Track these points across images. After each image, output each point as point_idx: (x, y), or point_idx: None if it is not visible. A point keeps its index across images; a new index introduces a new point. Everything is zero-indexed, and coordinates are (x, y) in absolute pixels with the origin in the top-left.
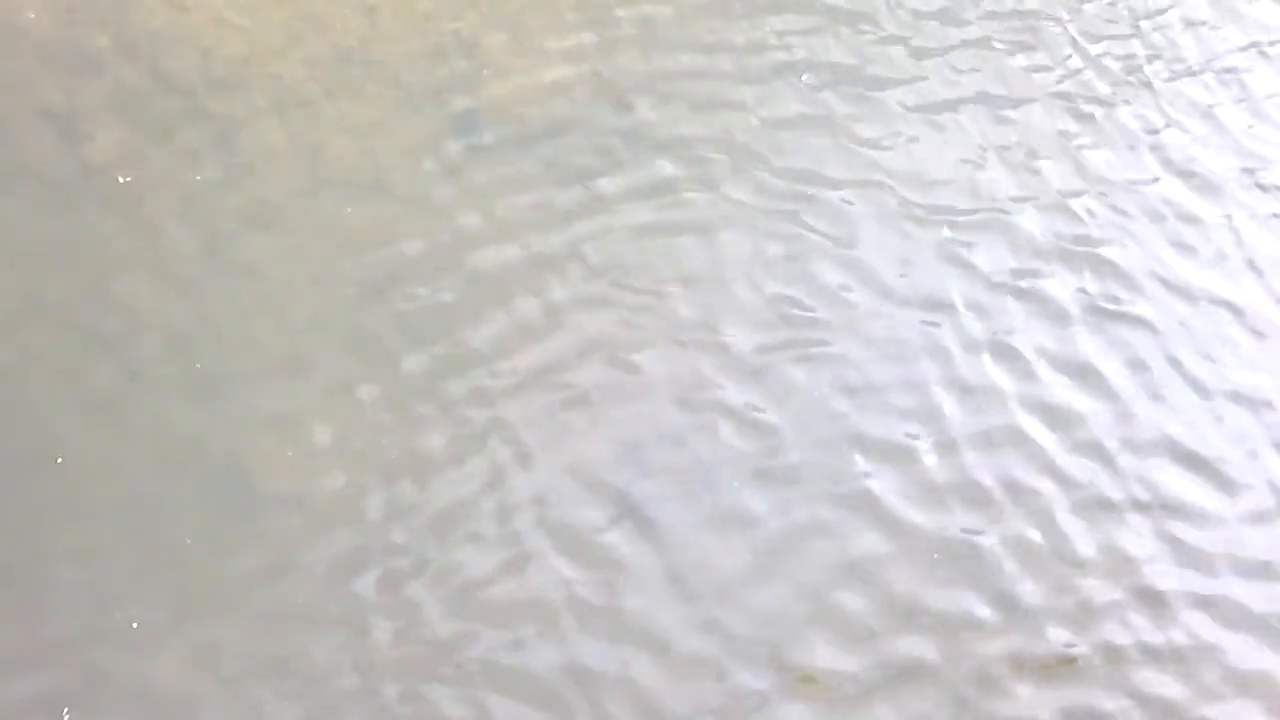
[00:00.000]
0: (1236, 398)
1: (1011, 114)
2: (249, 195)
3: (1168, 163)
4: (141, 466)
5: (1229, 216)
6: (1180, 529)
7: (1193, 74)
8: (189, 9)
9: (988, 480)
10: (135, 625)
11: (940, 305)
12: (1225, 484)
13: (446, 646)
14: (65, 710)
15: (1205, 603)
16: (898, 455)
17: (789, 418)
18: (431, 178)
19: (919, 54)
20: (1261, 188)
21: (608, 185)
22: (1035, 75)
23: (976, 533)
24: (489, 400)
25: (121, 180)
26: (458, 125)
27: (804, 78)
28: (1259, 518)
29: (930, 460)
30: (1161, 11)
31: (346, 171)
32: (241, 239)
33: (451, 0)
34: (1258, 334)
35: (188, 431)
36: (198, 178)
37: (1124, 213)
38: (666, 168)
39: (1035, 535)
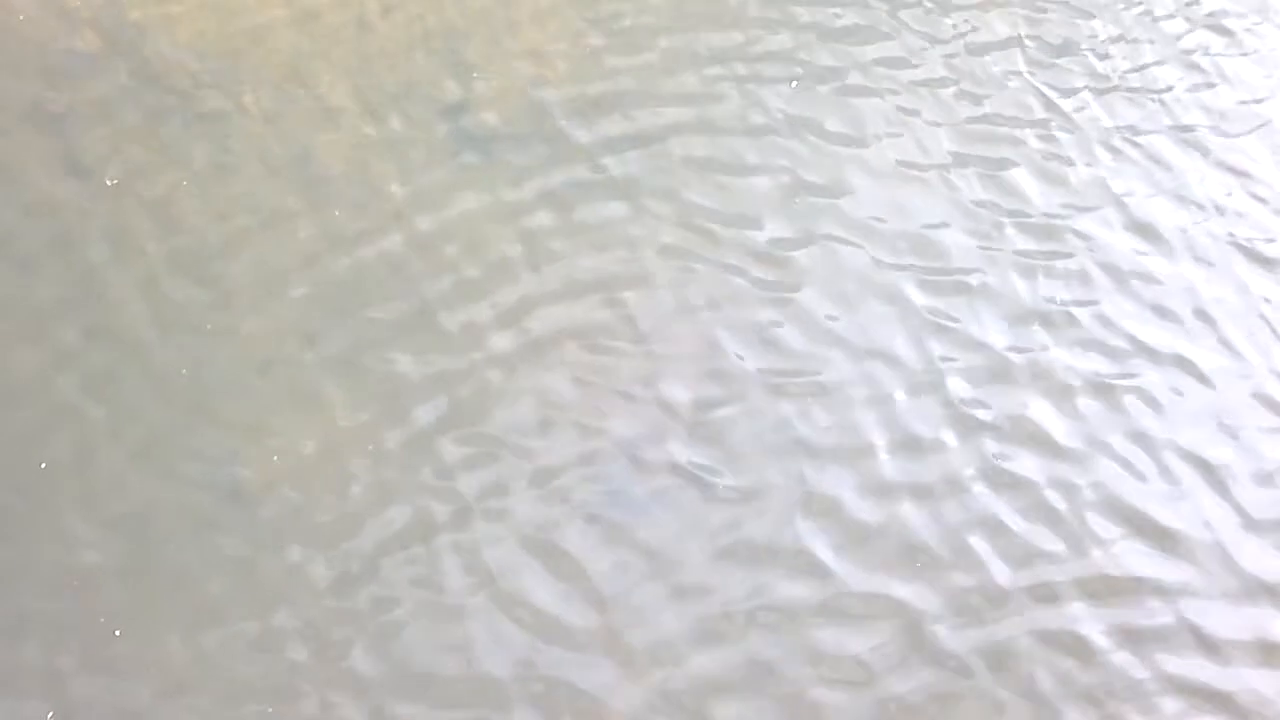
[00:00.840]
0: (1188, 457)
1: (979, 169)
2: (238, 196)
3: (1134, 222)
4: (126, 472)
5: (1188, 275)
6: (1122, 590)
7: (1162, 132)
8: (181, 11)
9: (926, 536)
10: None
11: (890, 358)
12: (1177, 551)
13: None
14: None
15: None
16: (837, 510)
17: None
18: (421, 179)
19: (888, 112)
20: (1244, 250)
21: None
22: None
23: (908, 585)
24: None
25: (110, 183)
26: (451, 128)
27: (793, 84)
28: (1211, 586)
29: (868, 514)
30: (1139, 69)
31: (336, 173)
32: (229, 239)
33: (441, 7)
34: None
35: (170, 433)
36: (184, 182)
37: (1086, 274)
38: (620, 209)
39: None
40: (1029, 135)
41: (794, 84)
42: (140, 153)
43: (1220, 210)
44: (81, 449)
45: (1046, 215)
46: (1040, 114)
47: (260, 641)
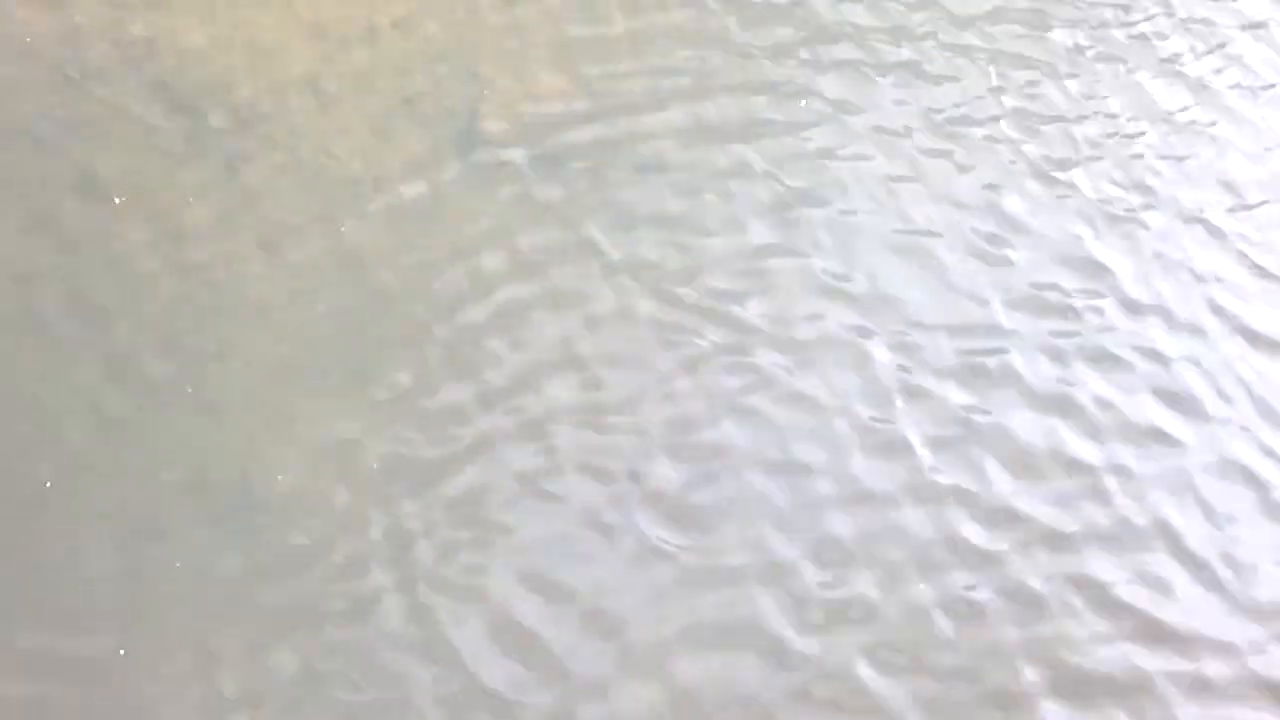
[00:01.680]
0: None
1: (977, 244)
2: (247, 211)
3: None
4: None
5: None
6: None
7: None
8: (190, 27)
9: (876, 595)
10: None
11: (863, 427)
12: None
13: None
14: None
15: None
16: (803, 587)
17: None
18: (432, 196)
19: (876, 179)
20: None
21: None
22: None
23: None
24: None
25: (117, 200)
26: (459, 144)
27: (802, 103)
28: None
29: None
30: (1133, 137)
31: (346, 188)
32: (238, 254)
33: (453, 22)
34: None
35: (190, 450)
36: (191, 198)
37: (1075, 352)
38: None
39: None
40: (1016, 201)
41: (800, 106)
42: (148, 169)
43: (1216, 281)
44: (78, 466)
45: (1034, 286)
46: (1030, 183)
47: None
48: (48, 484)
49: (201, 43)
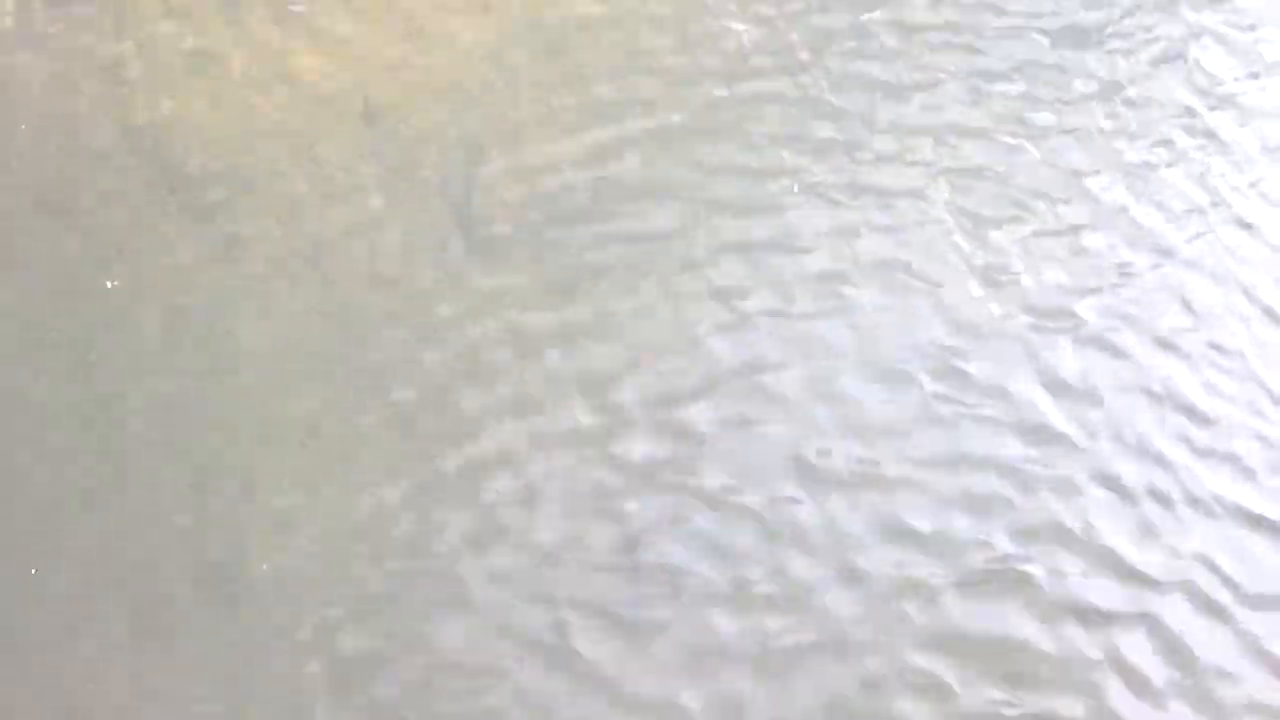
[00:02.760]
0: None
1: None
2: (244, 291)
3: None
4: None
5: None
6: None
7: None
8: (194, 103)
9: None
10: None
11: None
12: None
13: None
14: None
15: None
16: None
17: None
18: (431, 272)
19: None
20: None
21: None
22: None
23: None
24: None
25: (110, 284)
26: (458, 220)
27: (794, 188)
28: None
29: None
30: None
31: (346, 263)
32: (235, 329)
33: (454, 100)
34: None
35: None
36: (190, 278)
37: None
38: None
39: None
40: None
41: (796, 187)
42: (146, 250)
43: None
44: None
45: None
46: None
47: None
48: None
49: (203, 123)
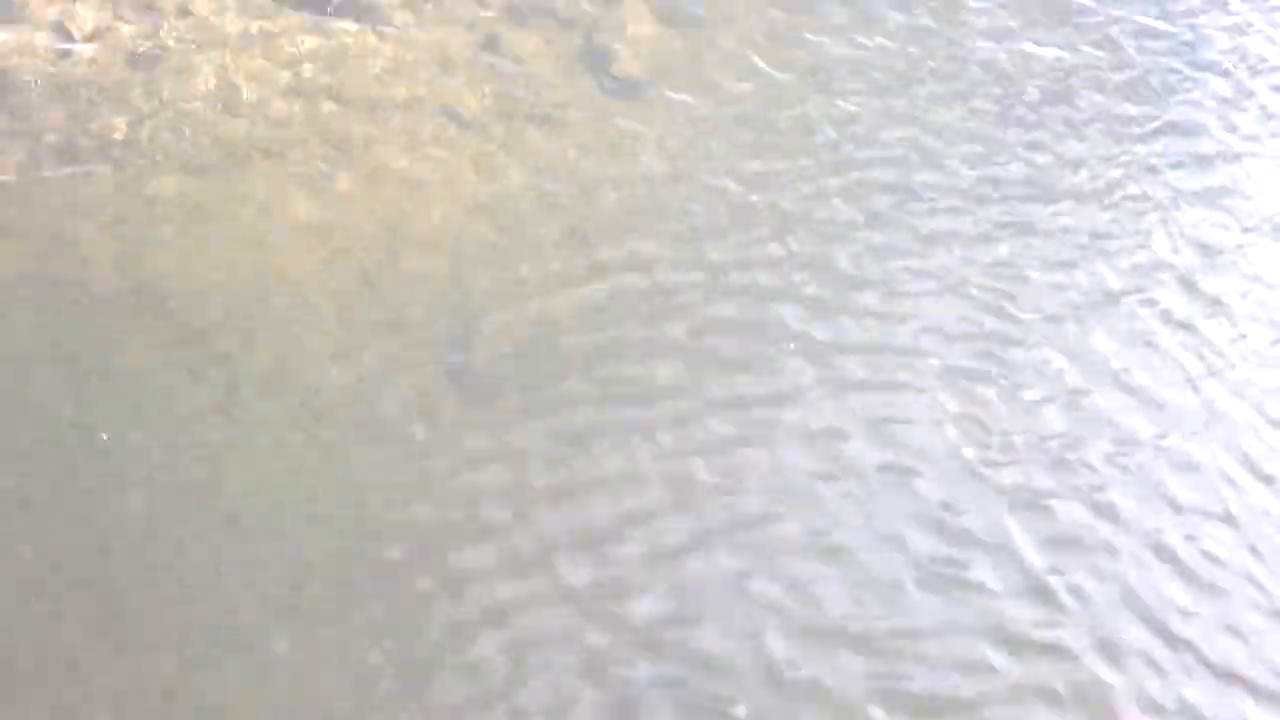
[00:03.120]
0: None
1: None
2: (242, 437)
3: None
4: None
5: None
6: None
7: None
8: (195, 253)
9: None
10: None
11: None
12: None
13: None
14: None
15: None
16: None
17: None
18: (427, 426)
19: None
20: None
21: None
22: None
23: None
24: None
25: (104, 436)
26: (457, 374)
27: (790, 346)
28: None
29: None
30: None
31: (342, 417)
32: (229, 482)
33: (453, 255)
34: None
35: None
36: (188, 414)
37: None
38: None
39: None
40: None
41: (792, 345)
42: (143, 402)
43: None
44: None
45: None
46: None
47: None
48: None
49: (205, 276)
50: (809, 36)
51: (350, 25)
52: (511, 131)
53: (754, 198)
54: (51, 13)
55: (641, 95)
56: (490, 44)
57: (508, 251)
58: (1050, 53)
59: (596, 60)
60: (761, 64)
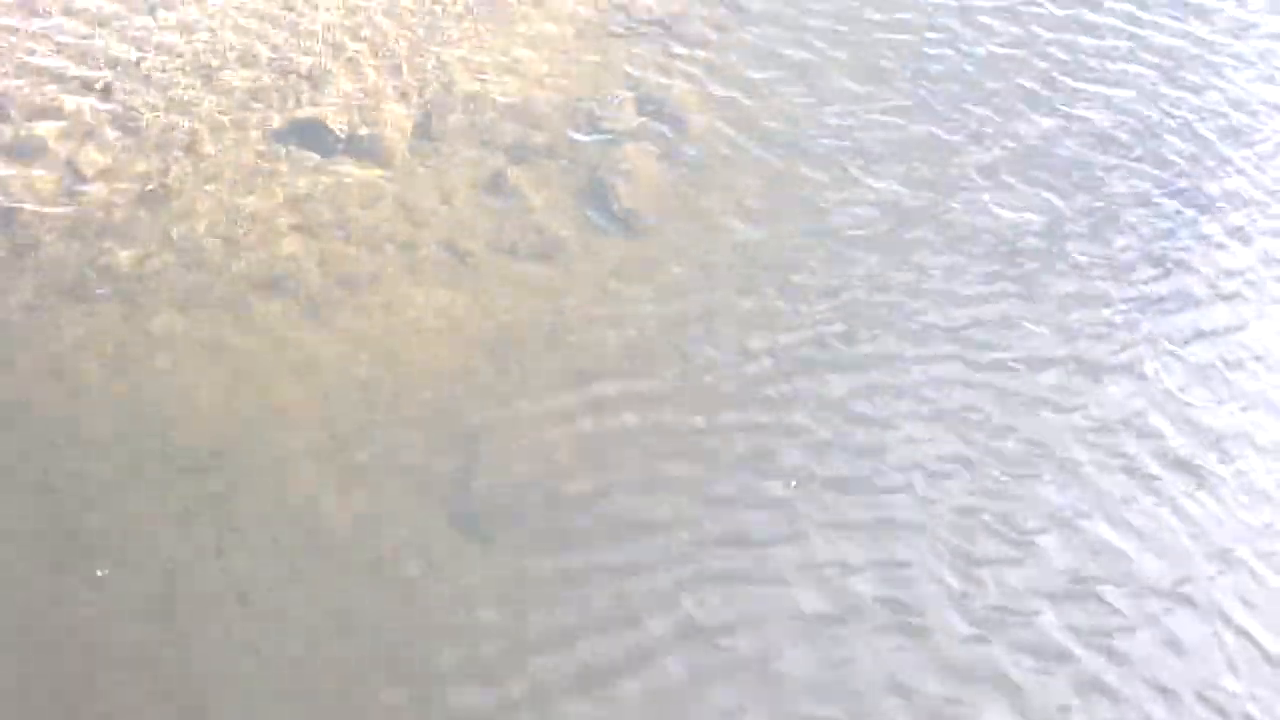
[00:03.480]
0: None
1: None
2: (237, 580)
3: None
4: None
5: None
6: None
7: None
8: (200, 388)
9: None
10: None
11: None
12: None
13: None
14: None
15: None
16: None
17: None
18: (427, 563)
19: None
20: None
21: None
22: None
23: None
24: None
25: (100, 573)
26: (457, 510)
27: (792, 484)
28: None
29: None
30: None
31: (342, 556)
32: (223, 626)
33: (453, 388)
34: None
35: None
36: (187, 553)
37: None
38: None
39: None
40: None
41: (793, 483)
42: (143, 537)
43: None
44: None
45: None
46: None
47: None
48: None
49: (208, 411)
50: (806, 174)
51: (354, 163)
52: (513, 267)
53: (752, 338)
54: (62, 151)
55: (642, 233)
56: (493, 181)
57: (508, 388)
58: (1045, 199)
59: (598, 198)
60: (759, 206)
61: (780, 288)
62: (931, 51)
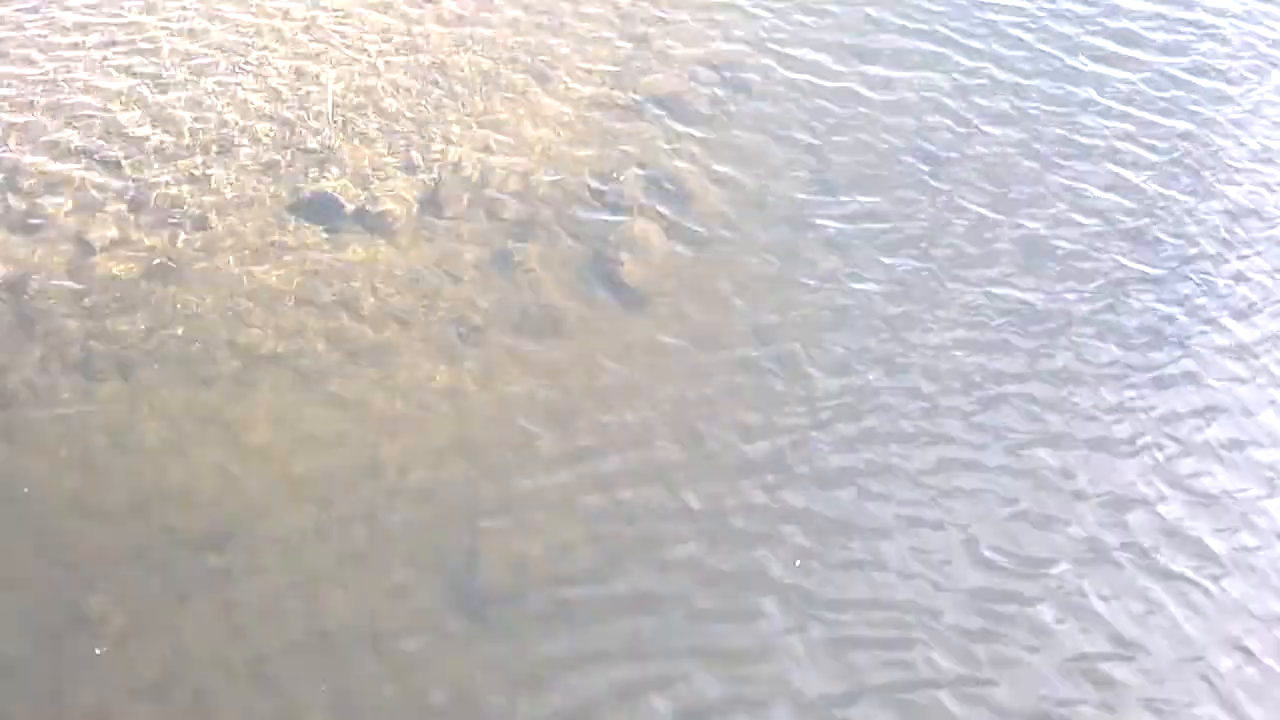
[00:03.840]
0: None
1: None
2: (241, 659)
3: None
4: None
5: None
6: None
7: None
8: (205, 465)
9: None
10: None
11: None
12: None
13: None
14: None
15: None
16: None
17: None
18: (431, 646)
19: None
20: None
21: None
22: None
23: None
24: None
25: (98, 651)
26: (457, 596)
27: (795, 563)
28: None
29: None
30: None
31: (347, 639)
32: (228, 694)
33: (458, 464)
34: None
35: None
36: (188, 632)
37: None
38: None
39: None
40: None
41: (797, 563)
42: (143, 614)
43: None
44: None
45: None
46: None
47: None
48: None
49: (212, 487)
50: (810, 254)
51: (361, 237)
52: (517, 343)
53: (754, 416)
54: (73, 224)
55: (646, 309)
56: (499, 255)
57: (511, 464)
58: (1051, 279)
59: (602, 274)
60: (763, 284)
61: (783, 365)
62: (933, 134)
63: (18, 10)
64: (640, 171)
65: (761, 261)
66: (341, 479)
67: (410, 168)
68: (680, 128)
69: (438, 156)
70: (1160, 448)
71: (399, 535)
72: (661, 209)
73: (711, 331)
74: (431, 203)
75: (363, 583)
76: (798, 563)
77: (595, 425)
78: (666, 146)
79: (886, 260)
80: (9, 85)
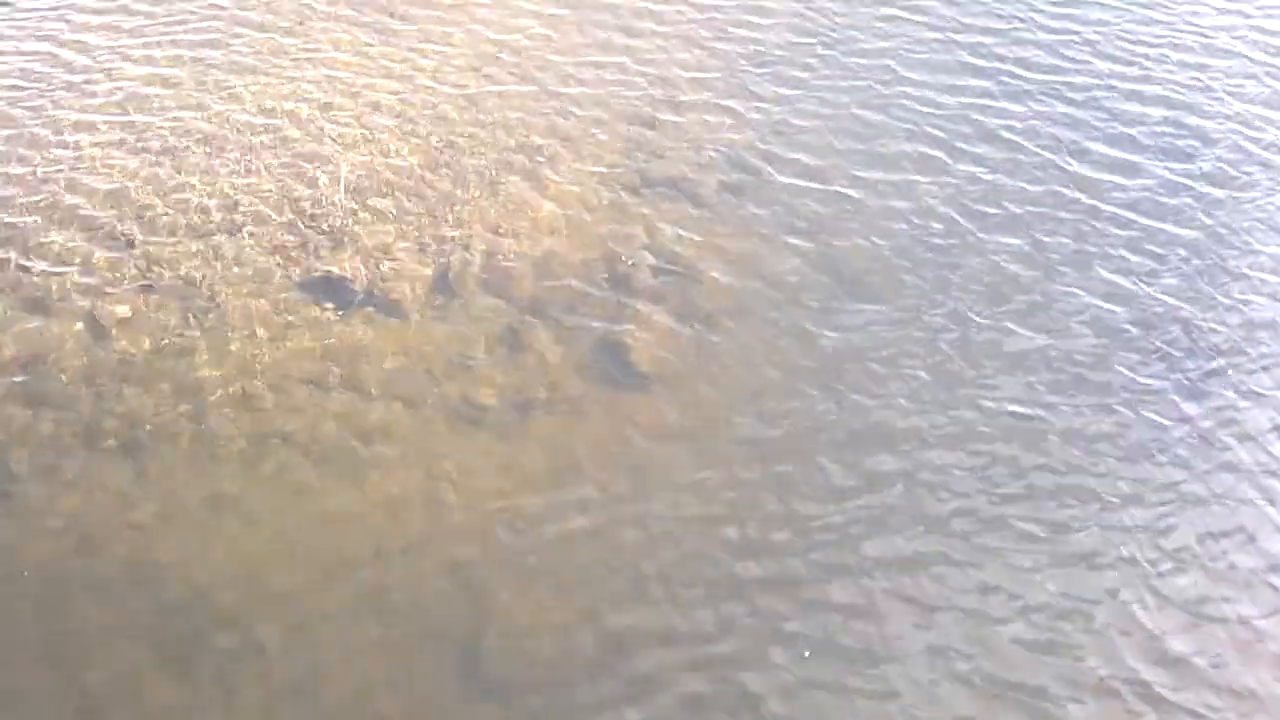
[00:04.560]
0: None
1: None
2: None
3: None
4: None
5: None
6: None
7: None
8: (206, 543)
9: None
10: None
11: None
12: None
13: None
14: None
15: None
16: None
17: None
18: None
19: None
20: None
21: None
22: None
23: None
24: None
25: None
26: (469, 669)
27: (805, 654)
28: None
29: None
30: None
31: (349, 713)
32: None
33: (460, 540)
34: None
35: None
36: (189, 714)
37: None
38: None
39: None
40: None
41: (807, 654)
42: (144, 693)
43: None
44: None
45: None
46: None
47: None
48: None
49: (213, 566)
50: (822, 340)
51: (371, 316)
52: (527, 423)
53: (768, 503)
54: (84, 303)
55: (656, 391)
56: (507, 337)
57: (520, 544)
58: (1050, 413)
59: (613, 355)
60: (774, 369)
61: (794, 453)
62: (939, 238)
63: (31, 85)
64: (651, 253)
65: (772, 343)
66: (346, 559)
67: (420, 248)
68: (693, 210)
69: (447, 237)
70: (1148, 560)
71: (404, 617)
72: (672, 291)
73: (722, 413)
74: (442, 281)
75: (367, 664)
76: (806, 653)
77: (606, 504)
78: (678, 229)
79: (889, 370)
80: (22, 163)
